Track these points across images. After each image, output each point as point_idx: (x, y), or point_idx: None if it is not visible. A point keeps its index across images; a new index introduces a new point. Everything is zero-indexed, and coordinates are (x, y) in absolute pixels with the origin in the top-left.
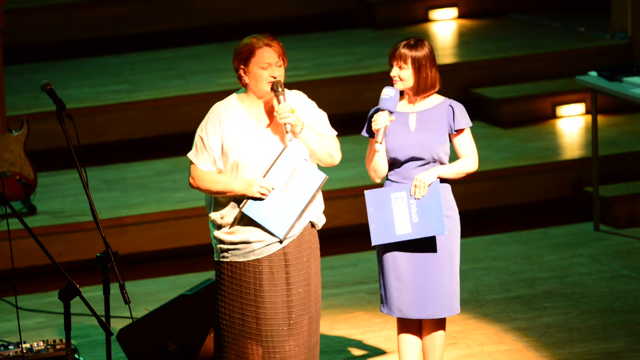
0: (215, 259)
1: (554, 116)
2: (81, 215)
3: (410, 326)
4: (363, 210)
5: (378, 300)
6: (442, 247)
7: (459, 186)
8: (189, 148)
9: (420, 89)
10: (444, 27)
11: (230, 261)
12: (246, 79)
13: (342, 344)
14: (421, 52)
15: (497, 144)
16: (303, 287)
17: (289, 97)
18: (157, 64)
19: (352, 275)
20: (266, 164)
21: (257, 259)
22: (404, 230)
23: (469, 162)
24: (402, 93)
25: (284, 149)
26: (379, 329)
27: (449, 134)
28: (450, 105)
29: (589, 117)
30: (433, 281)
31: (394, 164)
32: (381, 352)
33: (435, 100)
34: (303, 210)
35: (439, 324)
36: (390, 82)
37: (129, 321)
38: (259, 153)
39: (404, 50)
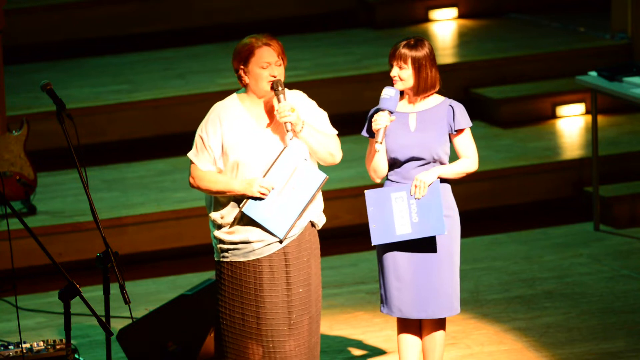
0: (216, 259)
1: (554, 116)
2: (81, 215)
3: (410, 326)
4: (363, 210)
5: (378, 300)
6: (442, 247)
7: (459, 186)
8: (189, 148)
9: (420, 89)
10: (444, 27)
11: (231, 261)
12: (246, 79)
13: (342, 344)
14: (421, 52)
15: (497, 144)
16: (303, 287)
17: (289, 97)
18: (157, 64)
19: (352, 275)
20: (266, 164)
21: (258, 259)
22: (404, 230)
23: (469, 162)
24: (402, 93)
25: (284, 148)
26: (379, 329)
27: (449, 134)
28: (451, 105)
29: (589, 117)
30: (433, 281)
31: (394, 164)
32: (381, 352)
33: (436, 100)
34: (303, 210)
35: (439, 324)
36: (390, 82)
37: (129, 321)
38: (259, 153)
39: (404, 50)
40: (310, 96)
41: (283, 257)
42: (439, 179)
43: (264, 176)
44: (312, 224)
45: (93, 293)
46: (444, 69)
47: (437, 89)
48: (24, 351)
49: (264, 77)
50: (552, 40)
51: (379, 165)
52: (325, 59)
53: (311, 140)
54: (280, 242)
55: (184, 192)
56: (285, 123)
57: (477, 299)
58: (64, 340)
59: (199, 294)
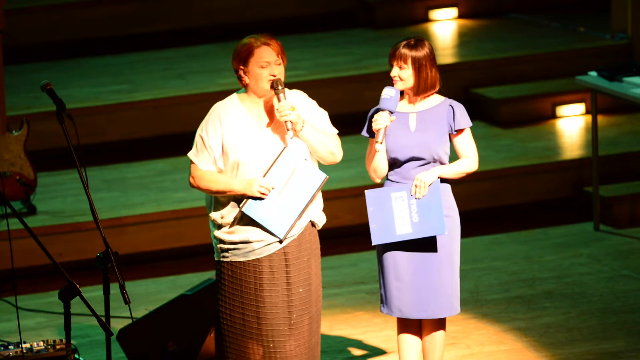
0: (216, 259)
1: (554, 116)
2: (81, 215)
3: (410, 326)
4: (363, 210)
5: (378, 300)
6: (442, 247)
7: (459, 186)
8: (189, 148)
9: (420, 89)
10: (444, 27)
11: (231, 261)
12: (246, 79)
13: (342, 344)
14: (421, 52)
15: (497, 144)
16: (304, 287)
17: (290, 96)
18: (157, 64)
19: (352, 275)
20: (266, 164)
21: (258, 259)
22: (405, 230)
23: (469, 162)
24: (402, 93)
25: (284, 148)
26: (379, 329)
27: (449, 134)
28: (451, 105)
29: (589, 117)
30: (433, 281)
31: (394, 164)
32: (381, 352)
33: (436, 100)
34: (303, 210)
35: (439, 324)
36: (390, 82)
37: (129, 321)
38: (259, 153)
39: (404, 50)
40: (310, 96)
41: (283, 257)
42: (439, 179)
43: (264, 176)
44: (313, 224)
45: (93, 293)
46: (444, 69)
47: (437, 89)
48: (24, 351)
49: (263, 77)
50: (552, 40)
51: (379, 165)
52: (325, 59)
53: (311, 139)
54: (280, 242)
55: (184, 192)
56: (285, 122)
57: (477, 299)
58: (64, 340)
59: (199, 294)
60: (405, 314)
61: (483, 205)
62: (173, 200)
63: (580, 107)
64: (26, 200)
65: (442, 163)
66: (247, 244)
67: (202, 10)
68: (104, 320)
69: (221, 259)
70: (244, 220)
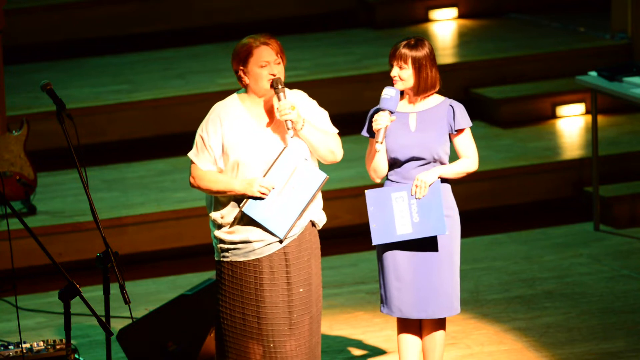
0: (216, 259)
1: (554, 116)
2: (81, 215)
3: (410, 326)
4: (363, 210)
5: (378, 300)
6: (442, 247)
7: (459, 186)
8: (189, 148)
9: (420, 89)
10: (444, 27)
11: (231, 261)
12: (246, 80)
13: (342, 344)
14: (421, 52)
15: (497, 144)
16: (304, 287)
17: (290, 95)
18: (157, 64)
19: (352, 275)
20: (266, 164)
21: (258, 259)
22: (405, 230)
23: (469, 162)
24: (402, 93)
25: (284, 148)
26: (379, 329)
27: (449, 134)
28: (451, 105)
29: (589, 117)
30: (433, 281)
31: (394, 163)
32: (381, 352)
33: (436, 100)
34: (303, 210)
35: (439, 324)
36: (390, 82)
37: (129, 321)
38: (260, 153)
39: (404, 50)
40: (310, 96)
41: (283, 256)
42: (439, 179)
43: (264, 176)
44: (313, 224)
45: (93, 293)
46: (444, 69)
47: (437, 89)
48: (24, 351)
49: (263, 76)
50: (552, 40)
51: (379, 165)
52: (325, 59)
53: (312, 138)
54: (281, 241)
55: (184, 192)
56: (285, 121)
57: (477, 299)
58: (64, 340)
59: (199, 294)
60: (405, 314)
61: (483, 205)
62: (173, 200)
63: (580, 107)
64: (26, 200)
65: (442, 163)
66: (248, 244)
67: (202, 10)
68: (104, 320)
69: (221, 259)
70: (244, 220)
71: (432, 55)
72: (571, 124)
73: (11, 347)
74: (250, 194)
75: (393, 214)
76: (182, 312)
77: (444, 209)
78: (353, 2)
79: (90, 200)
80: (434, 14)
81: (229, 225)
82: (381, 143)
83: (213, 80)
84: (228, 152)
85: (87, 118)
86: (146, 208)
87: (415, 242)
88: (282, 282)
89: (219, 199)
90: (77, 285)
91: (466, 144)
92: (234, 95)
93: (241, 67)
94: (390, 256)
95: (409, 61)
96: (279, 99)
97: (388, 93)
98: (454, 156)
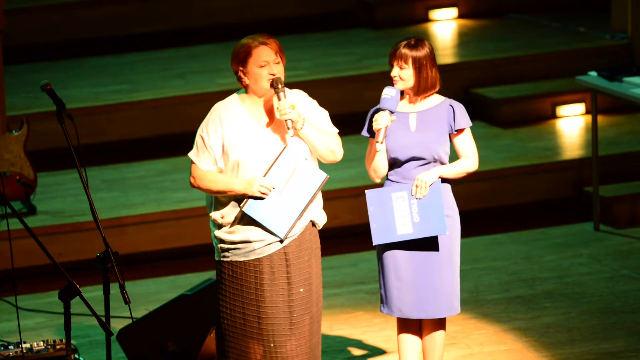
0: (216, 259)
1: (554, 116)
2: (81, 215)
3: (410, 326)
4: (363, 210)
5: (378, 300)
6: (442, 247)
7: (459, 186)
8: (189, 148)
9: (420, 89)
10: (444, 27)
11: (231, 261)
12: (246, 80)
13: (342, 344)
14: (422, 52)
15: (497, 144)
16: (304, 287)
17: (290, 95)
18: (157, 64)
19: (352, 275)
20: (267, 164)
21: (258, 259)
22: (406, 230)
23: (469, 161)
24: (402, 93)
25: (284, 148)
26: (379, 329)
27: (449, 134)
28: (451, 105)
29: (589, 117)
30: (433, 281)
31: (394, 163)
32: (381, 352)
33: (436, 100)
34: (304, 210)
35: (439, 324)
36: (390, 82)
37: (129, 321)
38: (260, 152)
39: (404, 50)
40: (311, 96)
41: (284, 256)
42: (439, 179)
43: (264, 176)
44: (313, 224)
45: (93, 293)
46: (444, 69)
47: (437, 88)
48: (24, 351)
49: (263, 76)
50: (552, 40)
51: (379, 165)
52: (325, 59)
53: (312, 137)
54: (281, 241)
55: (184, 192)
56: (285, 120)
57: (477, 299)
58: (64, 340)
59: (199, 294)
60: (405, 314)
61: (483, 205)
62: (173, 200)
63: (580, 107)
64: (26, 200)
65: (442, 163)
66: (248, 244)
67: (202, 10)
68: (104, 320)
69: (222, 259)
70: (244, 220)
71: (432, 55)
72: (571, 124)
73: (11, 347)
74: (250, 193)
75: (393, 214)
76: (182, 312)
77: (444, 209)
78: (353, 2)
79: (90, 200)
80: (434, 14)
81: (229, 225)
82: (381, 143)
83: (213, 80)
84: (228, 152)
85: (87, 118)
86: (146, 208)
87: (415, 242)
88: (283, 282)
89: (219, 199)
90: (77, 285)
91: (466, 143)
92: (234, 95)
93: (240, 68)
94: (391, 256)
95: (410, 61)
96: (279, 99)
97: (388, 93)
98: (454, 156)
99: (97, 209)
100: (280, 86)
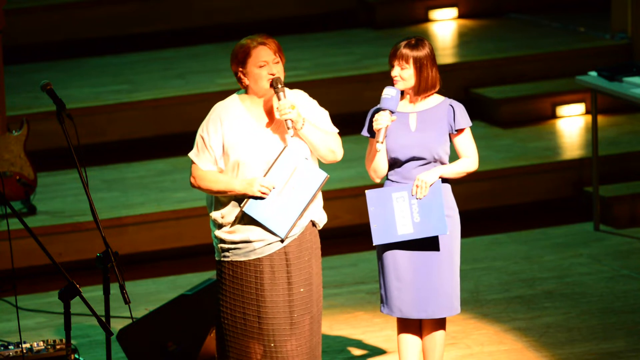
0: (217, 259)
1: (554, 116)
2: (81, 215)
3: (410, 326)
4: (363, 210)
5: (378, 300)
6: (442, 247)
7: (459, 186)
8: (189, 148)
9: (421, 89)
10: (444, 27)
11: (232, 260)
12: (246, 81)
13: (342, 344)
14: (422, 52)
15: (497, 144)
16: (305, 287)
17: (290, 95)
18: (157, 64)
19: (352, 275)
20: (267, 164)
21: (258, 258)
22: (406, 230)
23: (469, 161)
24: (402, 93)
25: (285, 148)
26: (379, 329)
27: (449, 134)
28: (451, 105)
29: (589, 117)
30: (433, 281)
31: (394, 163)
32: (381, 352)
33: (436, 100)
34: (304, 210)
35: (439, 323)
36: (390, 82)
37: (129, 321)
38: (260, 152)
39: (405, 50)
40: (311, 96)
41: (284, 256)
42: (440, 179)
43: (264, 176)
44: (313, 224)
45: (93, 293)
46: (444, 69)
47: (437, 88)
48: (24, 351)
49: (262, 76)
50: (552, 40)
51: (379, 165)
52: (325, 59)
53: (312, 137)
54: (282, 241)
55: (184, 192)
56: (285, 120)
57: (477, 299)
58: (64, 340)
59: (199, 294)
60: (406, 314)
61: (483, 205)
62: (173, 200)
63: (580, 107)
64: (26, 200)
65: (442, 163)
66: (248, 244)
67: (202, 10)
68: (104, 320)
69: (222, 259)
70: (244, 219)
71: (432, 55)
72: (571, 124)
73: (11, 347)
74: (250, 193)
75: (394, 214)
76: (182, 312)
77: (444, 209)
78: (353, 2)
79: (90, 200)
80: (434, 14)
81: (229, 225)
82: (381, 143)
83: (213, 80)
84: (228, 152)
85: (87, 118)
86: (146, 208)
87: (415, 242)
88: (283, 282)
89: (220, 199)
90: (77, 285)
91: (466, 143)
92: (234, 96)
93: (240, 69)
94: (391, 256)
95: (410, 61)
96: (279, 98)
97: (388, 93)
98: (454, 156)
99: (97, 209)
100: (280, 86)
